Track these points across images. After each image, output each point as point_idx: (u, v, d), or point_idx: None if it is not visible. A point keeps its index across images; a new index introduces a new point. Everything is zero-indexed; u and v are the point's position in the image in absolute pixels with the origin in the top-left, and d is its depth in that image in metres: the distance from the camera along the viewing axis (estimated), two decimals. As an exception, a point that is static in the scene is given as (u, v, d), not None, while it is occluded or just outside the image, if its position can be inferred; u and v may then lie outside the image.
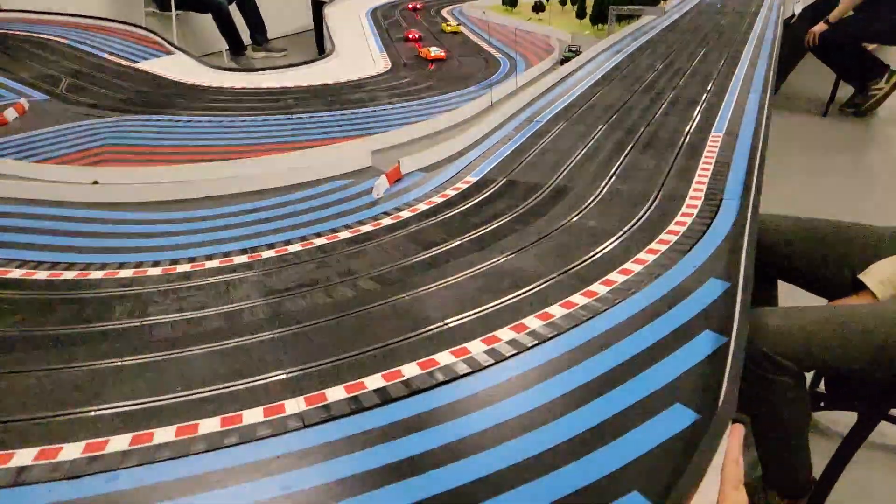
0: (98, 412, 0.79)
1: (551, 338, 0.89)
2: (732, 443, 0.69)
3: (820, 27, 3.94)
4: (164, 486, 0.68)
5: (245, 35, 5.13)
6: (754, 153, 1.48)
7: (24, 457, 0.72)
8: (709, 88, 2.15)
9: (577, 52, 2.65)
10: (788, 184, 3.19)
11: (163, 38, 3.19)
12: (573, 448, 0.70)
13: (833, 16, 3.90)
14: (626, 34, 3.18)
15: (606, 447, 0.70)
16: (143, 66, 2.77)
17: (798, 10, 4.29)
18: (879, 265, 1.30)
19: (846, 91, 4.21)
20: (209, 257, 1.20)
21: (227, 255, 1.20)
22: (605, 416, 0.74)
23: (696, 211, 1.25)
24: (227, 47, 5.04)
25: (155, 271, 1.15)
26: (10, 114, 2.03)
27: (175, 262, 1.19)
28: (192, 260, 1.19)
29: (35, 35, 3.13)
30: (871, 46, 4.23)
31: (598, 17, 3.22)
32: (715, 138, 1.65)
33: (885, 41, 4.24)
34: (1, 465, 0.71)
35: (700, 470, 0.62)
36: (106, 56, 2.86)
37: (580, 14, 3.35)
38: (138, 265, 1.18)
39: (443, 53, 2.85)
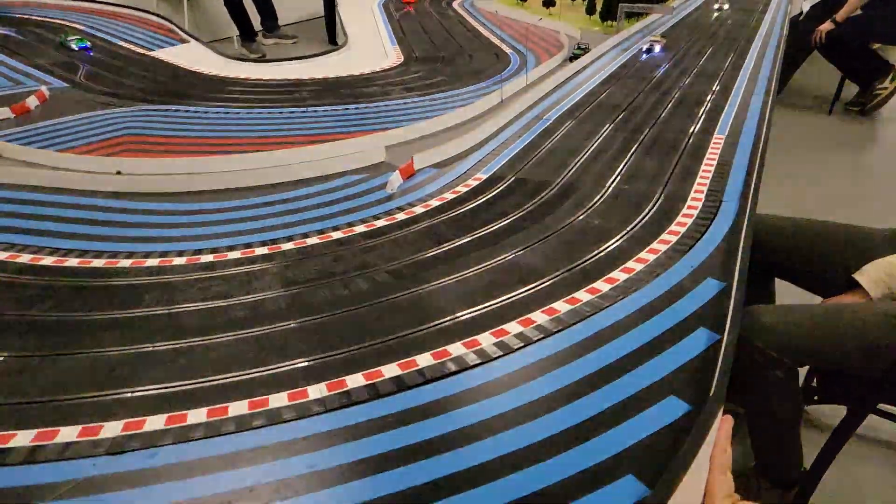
0: (134, 394, 0.85)
1: (556, 332, 0.95)
2: (721, 432, 0.75)
3: (827, 26, 3.95)
4: (198, 463, 0.74)
5: (256, 21, 5.15)
6: (754, 158, 1.52)
7: (68, 434, 0.78)
8: (714, 88, 2.18)
9: (585, 50, 2.69)
10: (792, 181, 3.23)
11: (177, 26, 3.23)
12: (575, 434, 0.76)
13: (840, 15, 3.91)
14: (634, 31, 3.21)
15: (605, 434, 0.75)
16: (159, 54, 2.81)
17: (806, 9, 4.30)
18: (873, 265, 1.35)
19: (851, 90, 4.23)
20: (231, 248, 1.25)
21: (247, 246, 1.26)
22: (605, 406, 0.80)
23: (696, 212, 1.30)
24: (238, 33, 5.06)
25: (180, 261, 1.21)
26: (32, 101, 2.08)
27: (198, 252, 1.24)
28: (214, 250, 1.24)
29: (51, 20, 3.18)
30: (876, 46, 4.24)
31: (608, 14, 3.25)
32: (717, 140, 1.69)
33: (891, 41, 4.25)
34: (48, 440, 0.77)
35: (690, 456, 0.67)
36: (122, 44, 2.91)
37: (590, 10, 3.37)
38: (163, 254, 1.23)
39: None
